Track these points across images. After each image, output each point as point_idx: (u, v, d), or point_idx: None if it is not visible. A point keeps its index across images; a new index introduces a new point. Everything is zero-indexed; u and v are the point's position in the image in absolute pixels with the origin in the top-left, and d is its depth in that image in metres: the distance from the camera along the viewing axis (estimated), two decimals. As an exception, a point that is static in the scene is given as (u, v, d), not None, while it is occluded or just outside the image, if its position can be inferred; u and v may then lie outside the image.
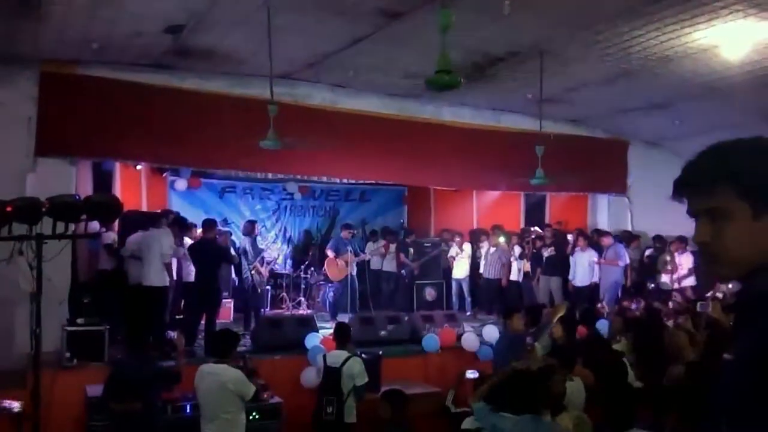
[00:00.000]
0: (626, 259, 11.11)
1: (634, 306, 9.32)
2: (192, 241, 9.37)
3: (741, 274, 1.28)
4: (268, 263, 11.43)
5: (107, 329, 7.18)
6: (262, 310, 10.60)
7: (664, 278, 11.40)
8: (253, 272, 10.29)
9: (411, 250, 12.42)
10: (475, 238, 12.76)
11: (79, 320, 7.27)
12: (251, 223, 11.29)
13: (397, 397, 5.36)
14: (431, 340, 8.80)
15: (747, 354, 1.20)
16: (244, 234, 11.20)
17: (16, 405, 5.84)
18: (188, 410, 6.32)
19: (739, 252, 1.26)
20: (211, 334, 8.33)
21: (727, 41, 7.15)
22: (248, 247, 10.59)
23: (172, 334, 6.41)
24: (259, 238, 11.96)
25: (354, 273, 11.62)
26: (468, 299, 12.14)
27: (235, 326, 10.07)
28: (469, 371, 7.81)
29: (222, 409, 5.25)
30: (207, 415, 5.34)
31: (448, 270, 12.38)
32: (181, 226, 9.11)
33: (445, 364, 8.58)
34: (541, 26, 7.14)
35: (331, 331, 7.31)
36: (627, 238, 11.85)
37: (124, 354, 6.56)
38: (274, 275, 11.83)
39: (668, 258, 11.38)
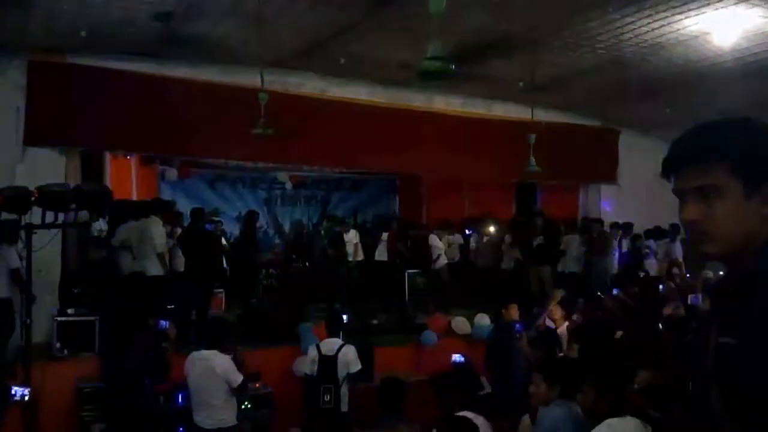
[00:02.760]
0: (615, 246, 11.16)
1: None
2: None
3: (728, 253, 1.29)
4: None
5: (97, 320, 7.15)
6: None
7: (653, 263, 11.48)
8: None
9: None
10: (467, 227, 12.78)
11: (70, 311, 7.23)
12: (251, 214, 11.26)
13: (397, 386, 5.34)
14: (429, 335, 8.79)
15: (755, 337, 1.17)
16: (244, 225, 11.23)
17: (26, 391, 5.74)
18: (180, 400, 6.31)
19: (730, 231, 1.26)
20: (202, 324, 8.33)
21: (718, 28, 7.17)
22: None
23: (164, 324, 6.39)
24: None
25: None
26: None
27: (227, 316, 10.09)
28: (456, 355, 7.89)
29: (212, 396, 5.27)
30: (198, 402, 5.36)
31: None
32: (167, 211, 8.95)
33: (437, 353, 8.61)
34: (533, 14, 7.12)
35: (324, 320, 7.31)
36: (616, 226, 11.89)
37: (114, 344, 6.54)
38: (265, 265, 11.82)
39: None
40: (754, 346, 1.17)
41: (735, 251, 1.28)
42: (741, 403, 1.17)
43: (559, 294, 7.71)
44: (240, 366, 5.59)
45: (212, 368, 5.25)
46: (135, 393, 5.94)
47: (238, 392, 5.43)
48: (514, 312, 7.11)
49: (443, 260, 11.30)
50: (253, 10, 6.71)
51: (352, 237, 11.11)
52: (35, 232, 4.82)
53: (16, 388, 4.98)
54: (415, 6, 6.40)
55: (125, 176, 11.53)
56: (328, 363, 6.24)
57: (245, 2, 6.67)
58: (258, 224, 11.48)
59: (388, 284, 12.15)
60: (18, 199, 4.82)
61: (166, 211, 8.79)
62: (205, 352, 5.37)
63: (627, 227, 11.88)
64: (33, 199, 4.83)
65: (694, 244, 1.30)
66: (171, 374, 6.04)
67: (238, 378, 5.31)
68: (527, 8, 6.95)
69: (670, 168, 1.34)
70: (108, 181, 10.28)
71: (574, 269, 11.14)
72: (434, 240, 11.26)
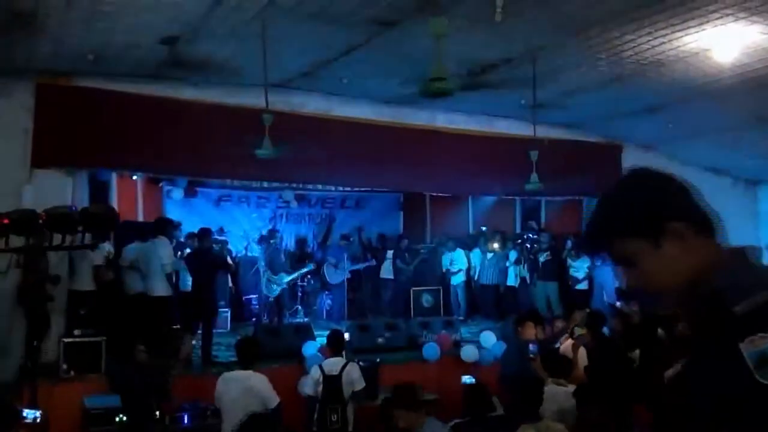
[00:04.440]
0: None
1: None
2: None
3: (681, 298, 1.36)
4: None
5: (104, 340, 7.17)
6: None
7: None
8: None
9: (407, 255, 12.45)
10: (471, 243, 12.79)
11: (76, 331, 7.26)
12: (272, 232, 11.45)
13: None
14: (432, 348, 8.78)
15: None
16: (259, 243, 11.40)
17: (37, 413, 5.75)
18: (186, 420, 6.31)
19: (665, 280, 1.34)
20: (208, 344, 8.34)
21: (718, 44, 7.21)
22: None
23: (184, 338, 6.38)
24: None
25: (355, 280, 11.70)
26: (462, 305, 12.14)
27: (233, 336, 10.11)
28: (466, 376, 7.82)
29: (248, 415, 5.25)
30: (231, 422, 5.31)
31: (445, 276, 12.40)
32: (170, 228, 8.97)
33: (443, 371, 8.58)
34: (534, 32, 7.18)
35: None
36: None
37: (122, 363, 6.55)
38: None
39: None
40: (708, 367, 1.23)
41: (685, 292, 1.34)
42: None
43: (580, 315, 7.64)
44: None
45: (251, 388, 5.23)
46: (142, 413, 5.95)
47: (273, 415, 5.33)
48: (530, 330, 6.81)
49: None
50: (258, 33, 6.80)
51: None
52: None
53: (26, 410, 4.99)
54: (417, 27, 6.49)
55: (131, 196, 11.59)
56: (333, 382, 6.23)
57: (250, 24, 6.76)
58: (274, 241, 11.64)
59: (393, 302, 12.19)
60: (26, 221, 4.87)
61: (172, 230, 8.84)
62: (240, 372, 5.37)
63: None
64: (40, 221, 4.88)
65: (656, 304, 1.41)
66: (172, 398, 6.04)
67: (275, 399, 5.28)
68: (528, 28, 7.01)
69: (591, 252, 1.51)
70: (114, 201, 10.35)
71: (583, 287, 11.13)
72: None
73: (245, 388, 5.23)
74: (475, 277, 12.30)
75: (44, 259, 6.84)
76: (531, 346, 6.43)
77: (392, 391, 4.73)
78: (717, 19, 6.59)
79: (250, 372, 5.34)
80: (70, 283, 7.80)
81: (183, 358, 6.40)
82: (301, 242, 14.04)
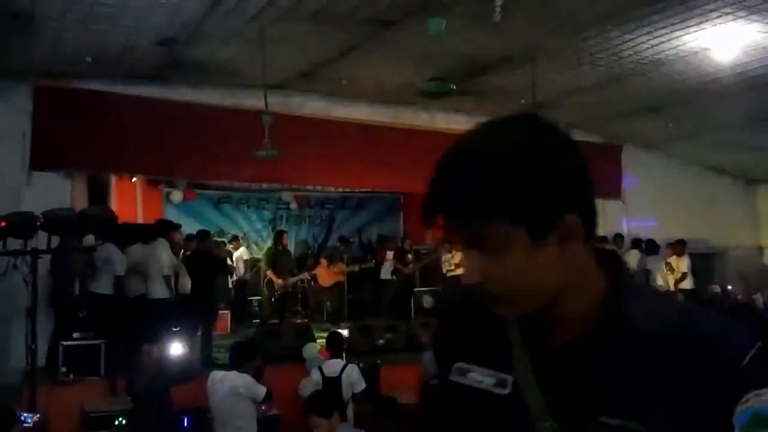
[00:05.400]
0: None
1: None
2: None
3: (547, 307, 1.00)
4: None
5: (103, 343, 7.14)
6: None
7: (659, 282, 11.43)
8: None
9: (409, 255, 12.43)
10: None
11: (75, 334, 7.23)
12: (280, 233, 11.46)
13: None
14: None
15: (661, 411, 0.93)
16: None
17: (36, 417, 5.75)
18: (185, 423, 6.29)
19: (533, 284, 0.96)
20: (207, 345, 8.32)
21: (718, 44, 7.20)
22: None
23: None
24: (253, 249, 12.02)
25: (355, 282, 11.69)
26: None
27: (233, 337, 10.08)
28: None
29: (235, 416, 5.29)
30: (220, 422, 5.38)
31: (445, 276, 12.36)
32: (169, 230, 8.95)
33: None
34: (533, 32, 7.17)
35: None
36: (617, 242, 11.87)
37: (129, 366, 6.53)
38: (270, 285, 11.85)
39: (664, 261, 11.43)
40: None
41: (550, 303, 0.99)
42: None
43: None
44: (259, 379, 5.61)
45: (236, 388, 5.30)
46: (144, 415, 5.95)
47: (265, 402, 5.50)
48: None
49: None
50: (256, 33, 6.79)
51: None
52: (41, 257, 4.85)
53: (24, 414, 4.98)
54: (415, 27, 6.48)
55: (130, 198, 11.57)
56: (332, 384, 6.21)
57: (248, 26, 6.75)
58: (285, 242, 11.64)
59: (394, 303, 12.16)
60: (24, 224, 4.86)
61: (172, 232, 8.81)
62: (225, 373, 5.44)
63: (650, 244, 11.77)
64: (38, 224, 4.87)
65: (492, 307, 1.01)
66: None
67: (261, 391, 5.36)
68: (527, 27, 7.00)
69: (434, 216, 1.01)
70: (113, 204, 10.33)
71: None
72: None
73: (229, 389, 5.29)
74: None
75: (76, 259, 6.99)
76: None
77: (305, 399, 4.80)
78: (716, 18, 6.58)
79: (234, 373, 5.38)
80: (90, 285, 7.85)
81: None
82: (301, 244, 14.05)
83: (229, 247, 11.69)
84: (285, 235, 11.77)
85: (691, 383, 0.92)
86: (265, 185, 11.65)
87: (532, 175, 0.94)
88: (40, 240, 5.30)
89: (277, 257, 11.05)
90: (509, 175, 0.93)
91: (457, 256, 12.05)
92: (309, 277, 11.91)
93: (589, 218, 0.99)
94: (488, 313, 1.02)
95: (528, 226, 0.94)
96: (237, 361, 5.52)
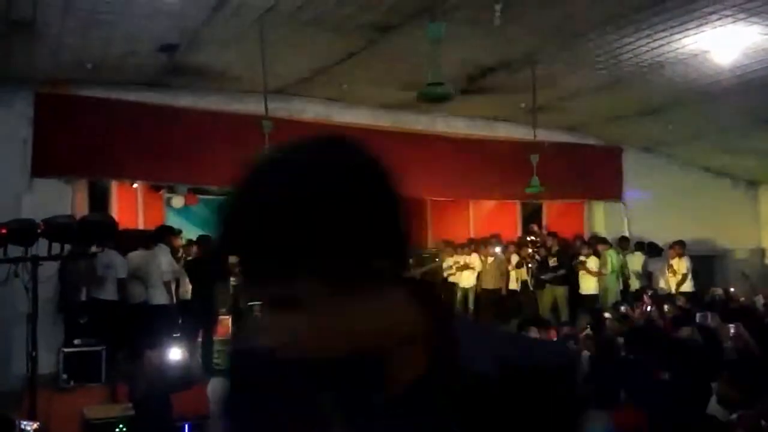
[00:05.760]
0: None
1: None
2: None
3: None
4: None
5: (104, 350, 7.14)
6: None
7: (662, 284, 11.41)
8: None
9: (410, 261, 12.40)
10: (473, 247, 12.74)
11: (76, 341, 7.23)
12: None
13: None
14: None
15: None
16: None
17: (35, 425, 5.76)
18: (186, 430, 6.28)
19: (337, 343, 0.85)
20: (208, 352, 8.30)
21: (717, 46, 7.19)
22: None
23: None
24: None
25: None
26: (471, 309, 12.09)
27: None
28: None
29: None
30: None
31: (446, 280, 12.34)
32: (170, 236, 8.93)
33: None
34: (532, 36, 7.17)
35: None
36: (623, 244, 11.86)
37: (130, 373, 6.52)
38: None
39: (665, 263, 11.42)
40: None
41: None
42: None
43: (585, 321, 7.66)
44: None
45: None
46: (144, 422, 5.94)
47: None
48: (533, 335, 6.89)
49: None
50: (257, 39, 6.79)
51: None
52: (41, 264, 4.85)
53: (24, 422, 4.97)
54: (415, 32, 6.48)
55: (131, 204, 11.56)
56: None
57: (248, 31, 6.76)
58: None
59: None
60: (24, 231, 4.86)
61: (172, 237, 8.81)
62: (222, 380, 5.39)
63: (651, 247, 11.78)
64: (39, 231, 4.87)
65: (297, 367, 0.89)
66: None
67: None
68: (526, 31, 7.00)
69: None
70: (114, 209, 10.32)
71: (592, 291, 11.11)
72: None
73: None
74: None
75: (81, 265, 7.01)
76: None
77: None
78: (716, 20, 6.57)
79: None
80: (95, 292, 7.87)
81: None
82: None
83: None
84: None
85: (527, 419, 0.88)
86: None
87: (336, 221, 0.80)
88: (42, 247, 5.29)
89: None
90: (313, 224, 0.79)
91: (461, 259, 12.07)
92: None
93: (401, 257, 0.88)
94: (295, 376, 0.89)
95: (332, 276, 0.81)
96: None
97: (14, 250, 4.99)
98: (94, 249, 5.99)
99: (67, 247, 4.96)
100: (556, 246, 11.47)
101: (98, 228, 5.28)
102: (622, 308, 9.42)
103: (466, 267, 11.97)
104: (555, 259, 11.33)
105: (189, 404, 6.40)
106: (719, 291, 10.65)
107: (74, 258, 5.72)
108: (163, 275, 8.02)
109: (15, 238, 4.86)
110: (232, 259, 0.84)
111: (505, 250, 11.96)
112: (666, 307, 8.91)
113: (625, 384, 5.79)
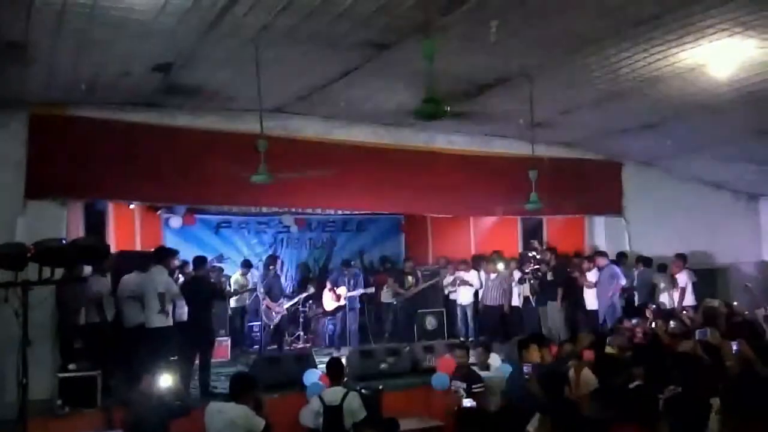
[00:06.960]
0: (622, 280, 11.01)
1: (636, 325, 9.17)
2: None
3: None
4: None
5: (99, 374, 7.02)
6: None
7: (663, 298, 11.33)
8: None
9: (410, 278, 12.36)
10: (474, 264, 12.66)
11: (71, 366, 7.11)
12: (272, 258, 11.49)
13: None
14: (440, 378, 8.52)
15: None
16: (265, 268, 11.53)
17: None
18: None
19: None
20: (205, 374, 8.20)
21: (715, 60, 7.16)
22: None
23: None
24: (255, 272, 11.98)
25: (356, 305, 11.69)
26: (471, 326, 11.99)
27: (233, 364, 9.95)
28: (466, 400, 7.64)
29: None
30: None
31: (447, 297, 12.27)
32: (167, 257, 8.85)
33: (447, 396, 8.39)
34: (529, 52, 7.14)
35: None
36: (625, 260, 11.77)
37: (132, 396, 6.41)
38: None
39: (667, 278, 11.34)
40: None
41: None
42: None
43: (588, 338, 7.58)
44: (259, 410, 5.50)
45: (233, 420, 5.20)
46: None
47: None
48: (534, 353, 6.69)
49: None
50: (252, 58, 6.76)
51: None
52: (32, 288, 4.76)
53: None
54: (412, 49, 6.44)
55: (129, 225, 11.51)
56: (333, 413, 6.08)
57: (244, 49, 6.72)
58: (273, 267, 11.68)
59: (396, 326, 12.05)
60: (14, 255, 4.76)
61: (169, 258, 8.72)
62: (223, 405, 5.35)
63: (646, 261, 11.73)
64: (29, 255, 4.79)
65: None
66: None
67: (259, 423, 5.23)
68: (523, 47, 6.97)
69: None
70: (111, 230, 10.27)
71: (594, 306, 11.02)
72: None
73: (227, 421, 5.18)
74: (479, 298, 12.17)
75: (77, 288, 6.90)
76: (525, 368, 6.29)
77: None
78: (712, 34, 6.55)
79: (231, 404, 5.28)
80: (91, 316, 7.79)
81: None
82: (302, 267, 13.96)
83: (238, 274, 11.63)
84: (277, 260, 11.81)
85: None
86: (264, 209, 11.60)
87: None
88: (33, 271, 5.20)
89: (267, 284, 11.09)
90: None
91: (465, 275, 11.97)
92: (303, 300, 11.88)
93: None
94: None
95: None
96: (236, 392, 5.43)
97: (4, 275, 4.89)
98: (86, 272, 5.92)
99: (59, 270, 4.86)
100: (554, 261, 11.42)
101: (90, 251, 5.19)
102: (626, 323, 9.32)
103: (464, 283, 11.91)
104: (551, 273, 11.28)
105: (187, 429, 6.29)
106: (715, 303, 10.52)
107: (66, 282, 5.61)
108: (160, 297, 7.92)
109: (5, 263, 4.77)
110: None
111: (507, 266, 11.89)
112: (672, 323, 8.81)
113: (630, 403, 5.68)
